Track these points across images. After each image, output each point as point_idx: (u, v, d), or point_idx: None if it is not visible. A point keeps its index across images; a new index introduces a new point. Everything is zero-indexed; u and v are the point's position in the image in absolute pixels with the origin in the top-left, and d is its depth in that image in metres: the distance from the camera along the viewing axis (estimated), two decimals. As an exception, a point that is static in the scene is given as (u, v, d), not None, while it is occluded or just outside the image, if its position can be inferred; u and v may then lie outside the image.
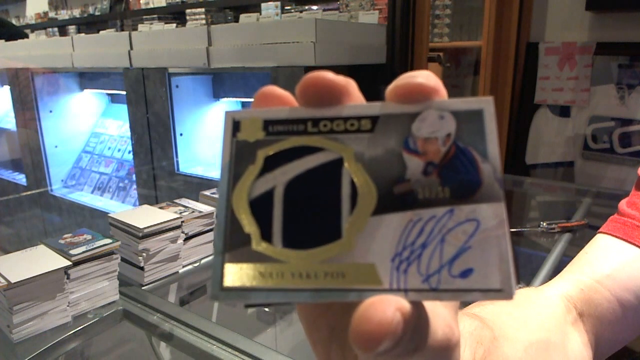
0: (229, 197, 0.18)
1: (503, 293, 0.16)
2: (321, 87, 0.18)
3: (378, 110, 0.18)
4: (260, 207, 0.18)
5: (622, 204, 0.43)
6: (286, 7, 2.47)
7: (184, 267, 1.01)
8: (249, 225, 0.17)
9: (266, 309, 1.23)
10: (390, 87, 0.18)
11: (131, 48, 2.04)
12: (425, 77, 0.17)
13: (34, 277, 0.74)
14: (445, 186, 0.17)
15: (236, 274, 0.17)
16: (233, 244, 0.17)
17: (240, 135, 0.18)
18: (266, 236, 0.17)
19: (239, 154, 0.18)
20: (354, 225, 0.17)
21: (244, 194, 0.18)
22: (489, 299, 0.16)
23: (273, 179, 0.18)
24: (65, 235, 0.88)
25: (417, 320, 0.16)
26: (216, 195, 1.14)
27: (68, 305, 0.80)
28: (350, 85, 0.18)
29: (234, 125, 0.18)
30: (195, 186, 1.94)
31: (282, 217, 0.17)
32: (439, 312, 0.18)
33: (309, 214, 0.17)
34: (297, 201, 0.17)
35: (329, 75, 0.18)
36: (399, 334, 0.15)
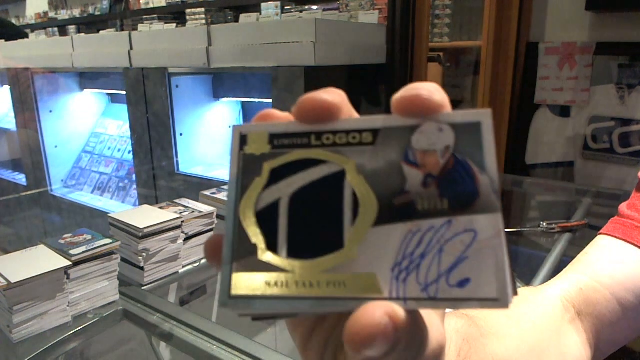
0: (237, 209, 0.18)
1: (499, 302, 0.16)
2: (318, 108, 0.18)
3: (380, 124, 0.18)
4: (266, 218, 0.18)
5: (623, 206, 0.43)
6: (286, 7, 2.47)
7: (184, 267, 1.01)
8: (255, 236, 0.18)
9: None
10: (397, 97, 0.18)
11: (131, 48, 2.04)
12: (432, 92, 0.17)
13: (34, 277, 0.74)
14: (443, 197, 0.17)
15: (243, 283, 0.17)
16: (240, 253, 0.18)
17: (247, 149, 0.19)
18: (272, 246, 0.18)
19: (246, 166, 0.19)
20: (356, 236, 0.17)
21: (251, 205, 0.18)
22: (486, 307, 0.16)
23: (278, 190, 0.18)
24: (65, 235, 0.88)
25: (413, 329, 0.16)
26: (216, 195, 1.14)
27: (68, 305, 0.80)
28: (343, 102, 0.19)
29: (241, 139, 0.19)
30: (195, 186, 1.94)
31: (287, 228, 0.18)
32: (433, 321, 0.19)
33: (312, 224, 0.18)
34: (301, 212, 0.18)
35: (324, 95, 0.18)
36: (390, 337, 0.15)
